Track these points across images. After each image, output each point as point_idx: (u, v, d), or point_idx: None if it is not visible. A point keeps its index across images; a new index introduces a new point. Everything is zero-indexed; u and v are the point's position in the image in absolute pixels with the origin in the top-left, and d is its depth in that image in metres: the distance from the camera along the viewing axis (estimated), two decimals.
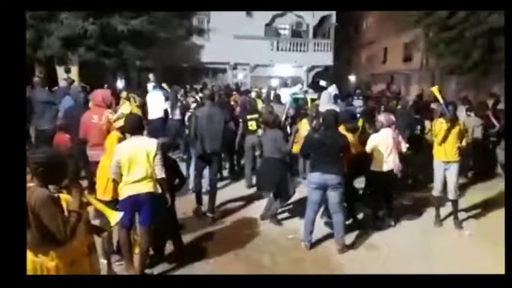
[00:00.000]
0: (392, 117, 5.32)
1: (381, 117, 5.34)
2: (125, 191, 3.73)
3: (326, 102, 9.22)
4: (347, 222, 5.03)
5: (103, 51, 12.61)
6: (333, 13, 22.69)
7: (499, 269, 4.07)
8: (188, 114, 7.25)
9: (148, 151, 3.74)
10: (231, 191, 6.91)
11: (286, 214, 5.85)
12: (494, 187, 7.11)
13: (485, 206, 6.20)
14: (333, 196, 4.54)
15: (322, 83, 10.38)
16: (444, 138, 5.30)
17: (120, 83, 15.94)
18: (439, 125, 5.41)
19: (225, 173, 7.79)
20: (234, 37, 20.15)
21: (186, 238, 4.71)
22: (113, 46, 12.84)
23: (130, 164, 3.71)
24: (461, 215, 5.72)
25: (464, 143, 5.46)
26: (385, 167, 5.17)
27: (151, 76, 9.22)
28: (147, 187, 3.73)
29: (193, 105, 7.70)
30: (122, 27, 12.45)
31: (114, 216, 2.53)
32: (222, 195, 6.56)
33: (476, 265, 4.22)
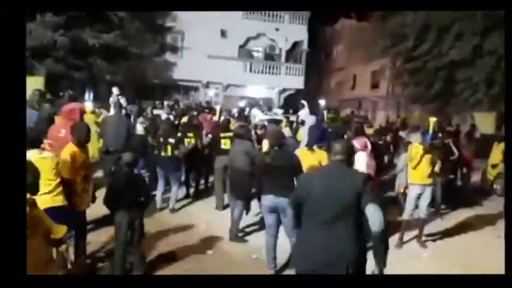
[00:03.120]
0: (367, 141, 5.36)
1: (355, 142, 5.38)
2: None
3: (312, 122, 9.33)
4: None
5: (72, 63, 12.38)
6: (305, 39, 23.39)
7: None
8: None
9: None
10: (194, 209, 6.83)
11: (251, 229, 5.86)
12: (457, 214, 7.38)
13: (445, 231, 6.38)
14: (286, 222, 4.37)
15: (303, 101, 10.79)
16: (419, 163, 5.51)
17: (88, 96, 15.60)
18: (415, 149, 5.61)
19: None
20: (208, 56, 20.32)
21: (148, 256, 4.58)
22: (82, 59, 12.64)
23: None
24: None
25: (437, 168, 5.70)
26: None
27: (115, 89, 8.99)
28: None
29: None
30: (93, 41, 12.31)
31: (60, 229, 2.57)
32: (185, 214, 6.55)
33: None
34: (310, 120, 9.39)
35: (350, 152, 2.88)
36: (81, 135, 4.08)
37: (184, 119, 8.43)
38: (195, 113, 9.76)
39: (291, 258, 3.27)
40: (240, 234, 5.60)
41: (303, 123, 9.45)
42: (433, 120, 5.90)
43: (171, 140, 6.51)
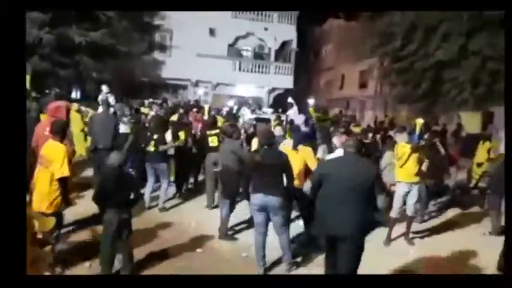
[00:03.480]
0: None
1: (335, 139, 5.46)
2: None
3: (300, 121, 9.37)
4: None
5: (58, 61, 12.22)
6: (294, 38, 23.46)
7: None
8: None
9: None
10: (183, 208, 6.80)
11: (241, 227, 5.87)
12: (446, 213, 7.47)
13: (432, 229, 6.47)
14: (276, 220, 4.44)
15: (290, 99, 10.92)
16: (405, 161, 5.57)
17: (75, 94, 15.43)
18: (402, 149, 5.67)
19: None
20: (197, 55, 20.23)
21: (137, 254, 4.54)
22: (68, 57, 12.48)
23: None
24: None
25: (424, 167, 5.77)
26: None
27: (104, 87, 8.95)
28: None
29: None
30: (79, 38, 12.17)
31: (49, 222, 2.53)
32: (175, 212, 6.51)
33: None
34: (299, 119, 9.45)
35: (360, 147, 3.74)
36: (60, 132, 4.14)
37: (174, 117, 8.37)
38: (181, 111, 9.70)
39: (312, 225, 4.04)
40: (230, 233, 5.60)
41: (292, 122, 9.51)
42: (419, 122, 5.98)
43: (155, 136, 6.46)
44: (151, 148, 6.43)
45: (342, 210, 3.43)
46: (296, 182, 4.79)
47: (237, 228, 5.88)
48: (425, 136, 6.23)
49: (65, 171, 3.95)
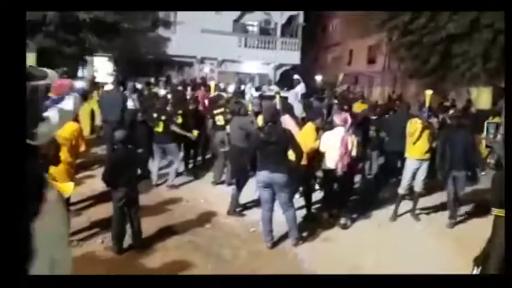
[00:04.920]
0: (348, 117, 5.30)
1: (336, 117, 5.34)
2: None
3: (293, 101, 9.36)
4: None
5: (63, 38, 12.13)
6: (301, 13, 22.94)
7: (443, 264, 4.31)
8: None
9: None
10: (192, 185, 6.87)
11: (251, 204, 5.93)
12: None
13: (438, 205, 6.48)
14: (282, 196, 4.50)
15: (296, 76, 10.80)
16: (418, 138, 5.54)
17: (81, 73, 15.39)
18: (414, 125, 5.61)
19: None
20: (202, 31, 19.94)
21: (147, 230, 4.63)
22: (73, 34, 12.37)
23: None
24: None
25: (434, 144, 5.75)
26: (329, 165, 5.17)
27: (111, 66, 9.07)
28: None
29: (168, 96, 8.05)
30: (83, 15, 12.02)
31: (67, 188, 2.56)
32: (183, 189, 6.59)
33: (424, 259, 4.46)
34: (291, 96, 9.47)
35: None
36: None
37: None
38: (189, 88, 9.67)
39: (385, 145, 6.77)
40: (238, 209, 5.65)
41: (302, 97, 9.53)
42: (428, 93, 5.86)
43: (164, 117, 6.45)
44: (159, 129, 6.43)
45: (400, 138, 5.80)
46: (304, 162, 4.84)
47: (248, 205, 5.92)
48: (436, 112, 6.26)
49: (85, 147, 4.32)
